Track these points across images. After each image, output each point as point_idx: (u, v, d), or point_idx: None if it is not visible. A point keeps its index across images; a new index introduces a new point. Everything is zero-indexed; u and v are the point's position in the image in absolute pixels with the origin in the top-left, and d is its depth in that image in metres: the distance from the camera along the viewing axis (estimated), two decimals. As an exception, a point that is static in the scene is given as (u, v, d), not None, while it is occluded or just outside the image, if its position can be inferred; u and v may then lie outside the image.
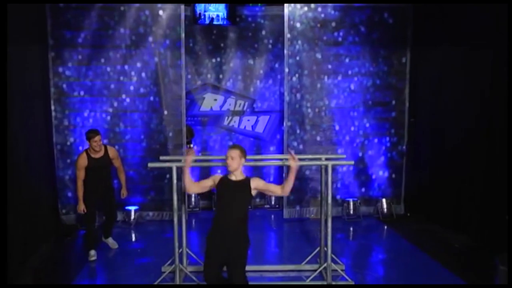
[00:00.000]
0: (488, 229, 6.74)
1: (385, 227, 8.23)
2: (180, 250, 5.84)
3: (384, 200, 8.68)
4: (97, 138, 6.50)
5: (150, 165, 5.65)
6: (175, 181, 5.54)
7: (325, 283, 5.61)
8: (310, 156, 6.65)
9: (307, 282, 5.63)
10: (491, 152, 6.72)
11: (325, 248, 5.93)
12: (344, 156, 7.03)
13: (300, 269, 6.12)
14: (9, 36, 5.61)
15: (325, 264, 5.63)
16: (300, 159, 7.05)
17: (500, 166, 6.46)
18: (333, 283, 5.50)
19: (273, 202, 9.44)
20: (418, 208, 8.60)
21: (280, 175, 9.48)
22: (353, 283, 5.62)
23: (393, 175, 8.91)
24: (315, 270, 5.87)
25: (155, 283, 5.65)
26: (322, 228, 6.13)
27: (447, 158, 7.78)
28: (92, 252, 6.63)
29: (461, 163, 7.42)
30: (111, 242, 7.15)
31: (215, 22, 8.96)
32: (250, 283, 4.74)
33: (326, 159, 6.06)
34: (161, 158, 6.04)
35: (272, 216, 9.06)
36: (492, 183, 6.69)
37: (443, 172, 7.90)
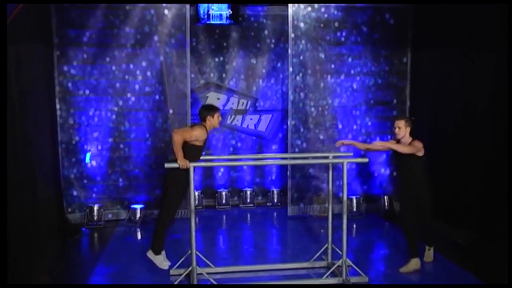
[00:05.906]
0: (489, 224, 6.93)
1: (388, 223, 8.41)
2: (189, 252, 5.84)
3: (386, 197, 8.86)
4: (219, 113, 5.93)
5: (167, 165, 5.67)
6: (192, 181, 5.58)
7: (339, 279, 5.73)
8: (318, 154, 6.78)
9: (324, 278, 5.75)
10: (492, 150, 6.92)
11: (332, 245, 6.19)
12: (351, 153, 7.13)
13: (311, 267, 6.24)
14: (15, 34, 5.60)
15: (340, 261, 5.74)
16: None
17: (501, 163, 6.68)
18: (349, 278, 5.63)
19: (275, 200, 9.54)
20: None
21: (281, 173, 9.59)
22: (367, 279, 5.75)
23: (394, 173, 9.08)
24: (327, 267, 6.01)
25: (175, 283, 5.66)
26: (330, 225, 6.26)
27: (446, 155, 7.96)
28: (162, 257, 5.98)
29: (460, 161, 7.61)
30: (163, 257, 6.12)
31: (218, 22, 8.96)
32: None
33: (336, 157, 6.25)
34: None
35: (275, 213, 9.17)
36: (492, 179, 6.89)
37: (442, 169, 8.08)
